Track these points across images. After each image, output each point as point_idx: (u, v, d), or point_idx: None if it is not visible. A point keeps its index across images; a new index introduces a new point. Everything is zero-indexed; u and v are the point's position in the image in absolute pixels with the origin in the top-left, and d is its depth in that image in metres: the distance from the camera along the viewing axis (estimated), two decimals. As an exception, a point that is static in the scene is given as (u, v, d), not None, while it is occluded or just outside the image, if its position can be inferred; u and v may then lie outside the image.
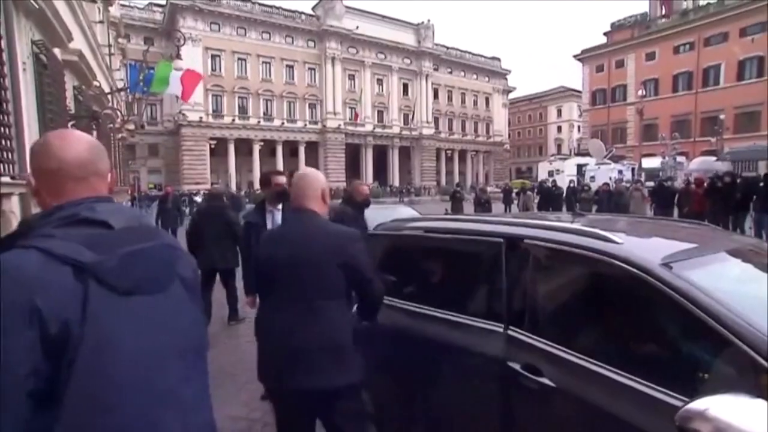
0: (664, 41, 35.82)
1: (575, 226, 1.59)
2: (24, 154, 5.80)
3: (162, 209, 10.15)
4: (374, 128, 47.66)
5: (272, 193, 3.02)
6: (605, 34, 42.95)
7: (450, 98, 55.44)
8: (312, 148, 44.71)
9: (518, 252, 1.64)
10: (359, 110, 46.57)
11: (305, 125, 44.09)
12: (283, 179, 3.06)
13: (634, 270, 1.30)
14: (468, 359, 1.59)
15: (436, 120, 53.44)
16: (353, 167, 46.13)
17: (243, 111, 41.42)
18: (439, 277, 1.93)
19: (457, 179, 49.09)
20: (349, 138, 46.14)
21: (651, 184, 14.70)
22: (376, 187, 42.97)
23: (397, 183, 47.45)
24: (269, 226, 2.97)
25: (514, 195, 17.16)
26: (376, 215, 7.02)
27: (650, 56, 37.23)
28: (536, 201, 13.23)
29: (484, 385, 1.54)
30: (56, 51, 6.63)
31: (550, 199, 12.67)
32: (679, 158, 23.18)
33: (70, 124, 8.05)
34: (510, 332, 1.58)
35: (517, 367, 1.47)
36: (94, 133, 10.72)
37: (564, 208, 12.19)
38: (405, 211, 7.33)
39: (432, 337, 1.72)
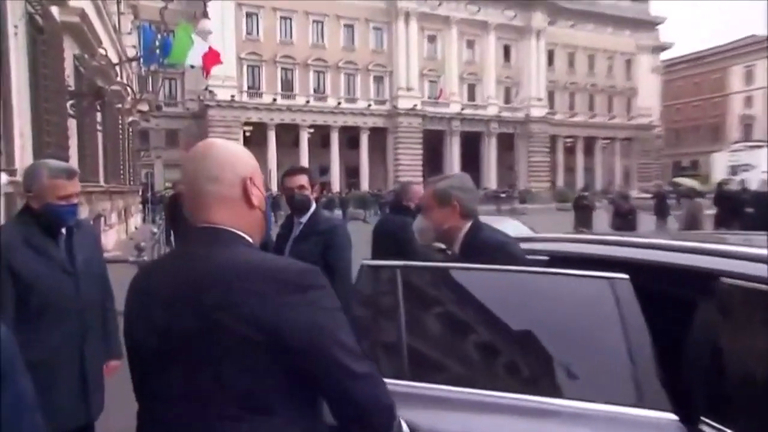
0: None
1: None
2: (12, 140, 6.34)
3: (174, 215, 9.50)
4: (462, 108, 47.64)
5: (287, 200, 3.03)
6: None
7: (572, 63, 53.74)
8: (378, 136, 45.74)
9: (715, 296, 1.56)
10: (442, 84, 46.90)
11: (369, 105, 45.29)
12: (301, 180, 3.01)
13: None
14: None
15: (550, 95, 52.07)
16: (433, 162, 46.24)
17: (287, 87, 43.55)
18: (566, 340, 1.72)
19: (581, 179, 47.59)
20: (429, 122, 46.60)
21: None
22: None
23: (493, 184, 46.90)
24: (287, 245, 2.98)
25: (674, 202, 15.63)
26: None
27: None
28: (710, 212, 11.81)
29: None
30: (53, 10, 7.21)
31: (736, 210, 11.15)
32: None
33: (69, 104, 8.78)
34: (704, 428, 1.46)
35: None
36: (98, 115, 11.72)
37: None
38: (506, 227, 7.03)
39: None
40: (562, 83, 53.26)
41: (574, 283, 1.69)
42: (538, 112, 49.73)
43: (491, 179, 48.26)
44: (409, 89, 45.64)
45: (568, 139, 53.02)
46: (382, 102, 46.15)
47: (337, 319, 1.04)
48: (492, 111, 48.79)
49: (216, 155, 1.15)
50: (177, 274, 1.07)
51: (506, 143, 49.82)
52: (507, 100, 50.15)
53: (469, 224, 2.23)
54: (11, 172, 5.57)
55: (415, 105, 45.34)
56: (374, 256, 3.66)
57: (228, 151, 1.17)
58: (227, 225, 1.12)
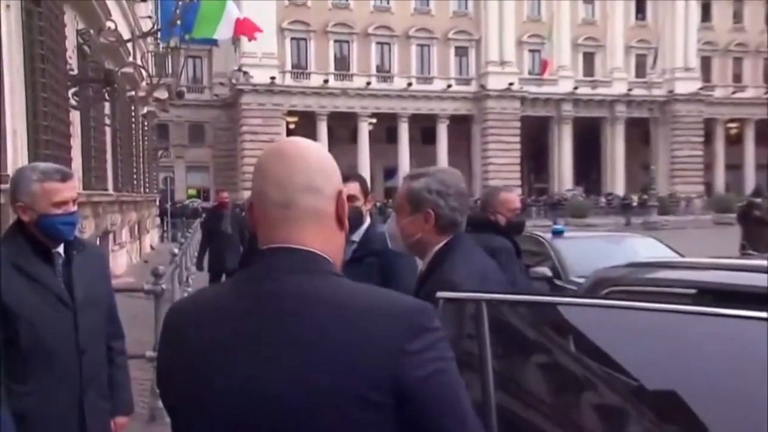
0: None
1: None
2: (4, 140, 6.82)
3: (213, 231, 9.19)
4: (576, 87, 46.88)
5: None
6: None
7: (738, 17, 51.51)
8: (460, 126, 45.72)
9: None
10: (548, 55, 46.17)
11: (449, 87, 45.33)
12: (351, 189, 3.00)
13: None
14: None
15: (704, 64, 50.24)
16: (535, 160, 45.49)
17: (342, 65, 44.46)
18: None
19: (752, 180, 45.30)
20: (529, 107, 46.11)
21: None
22: (578, 196, 41.46)
23: (620, 188, 45.71)
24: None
25: None
26: (576, 255, 6.69)
27: None
28: None
29: None
30: (53, -25, 7.70)
31: None
32: None
33: (71, 92, 9.36)
34: None
35: None
36: (106, 105, 12.39)
37: None
38: (640, 247, 6.92)
39: None
40: (724, 45, 51.23)
41: (725, 325, 1.64)
42: (686, 87, 48.07)
43: (617, 181, 47.16)
44: (502, 63, 45.39)
45: (732, 125, 50.91)
46: (466, 81, 46.13)
47: (456, 373, 1.13)
48: (618, 88, 47.72)
49: (316, 159, 1.19)
50: (255, 312, 1.10)
51: (638, 132, 48.42)
52: (640, 73, 48.87)
53: (444, 241, 2.19)
54: (2, 179, 5.94)
55: (511, 84, 44.97)
56: None
57: (323, 153, 1.23)
58: (318, 248, 1.16)
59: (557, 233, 7.30)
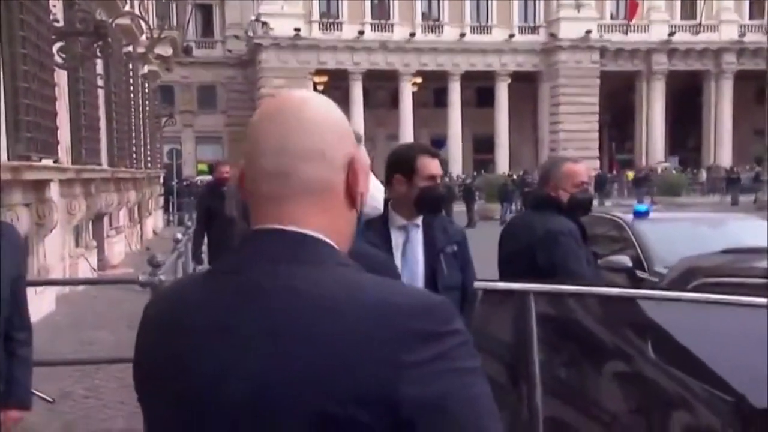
0: None
1: None
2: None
3: (213, 215, 9.31)
4: (672, 33, 45.92)
5: (403, 195, 3.30)
6: None
7: None
8: (524, 85, 45.35)
9: None
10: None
11: (511, 37, 44.98)
12: (434, 166, 3.32)
13: None
14: None
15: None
16: (619, 126, 44.73)
17: (380, 13, 44.36)
18: None
19: None
20: (611, 60, 45.58)
21: None
22: (671, 169, 40.75)
23: (726, 160, 44.85)
24: (397, 258, 3.23)
25: None
26: (664, 241, 6.58)
27: None
28: None
29: None
30: None
31: None
32: None
33: (55, 48, 9.55)
34: None
35: None
36: (97, 63, 12.62)
37: None
38: (746, 233, 6.76)
39: None
40: None
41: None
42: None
43: (722, 151, 46.26)
44: (578, 6, 44.81)
45: None
46: (533, 30, 45.81)
47: (478, 387, 1.06)
48: (727, 34, 46.57)
49: (323, 116, 1.16)
50: (239, 309, 1.10)
51: (751, 89, 47.03)
52: (756, 14, 47.45)
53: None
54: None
55: (589, 32, 44.38)
56: (502, 277, 3.68)
57: (332, 110, 1.19)
58: (319, 231, 1.13)
59: (640, 214, 7.17)
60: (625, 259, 6.37)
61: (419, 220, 3.32)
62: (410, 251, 3.28)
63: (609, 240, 7.30)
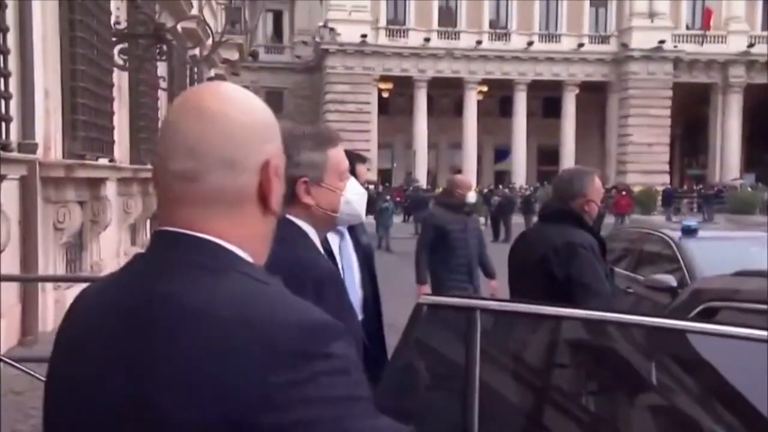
0: None
1: None
2: (32, 102, 7.18)
3: None
4: (751, 44, 44.36)
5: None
6: None
7: None
8: (592, 96, 44.85)
9: None
10: (713, 4, 44.31)
11: (580, 46, 44.54)
12: (365, 173, 3.73)
13: None
14: None
15: None
16: (691, 139, 43.63)
17: (447, 20, 44.37)
18: None
19: None
20: (684, 71, 44.59)
21: None
22: (747, 186, 39.68)
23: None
24: (337, 258, 3.33)
25: None
26: (712, 260, 6.40)
27: None
28: None
29: None
30: None
31: None
32: None
33: (116, 50, 9.80)
34: None
35: None
36: (158, 66, 12.87)
37: None
38: None
39: None
40: None
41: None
42: None
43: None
44: (652, 15, 43.99)
45: None
46: (603, 39, 45.09)
47: (357, 422, 0.99)
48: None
49: (241, 115, 1.10)
50: (134, 316, 1.06)
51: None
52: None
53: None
54: (29, 148, 6.32)
55: (662, 42, 43.47)
56: (513, 293, 3.66)
57: (255, 107, 1.14)
58: (223, 237, 1.09)
59: (688, 232, 6.94)
60: (669, 279, 6.15)
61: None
62: (345, 251, 3.34)
63: (655, 258, 7.10)
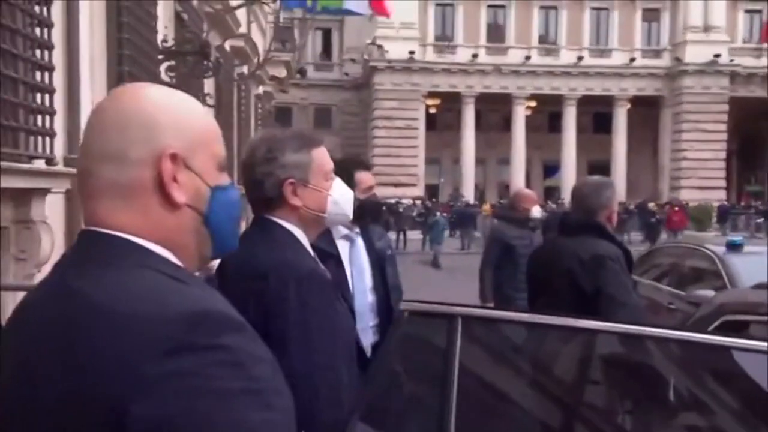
0: None
1: None
2: (78, 117, 7.41)
3: None
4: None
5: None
6: None
7: None
8: (644, 111, 44.45)
9: None
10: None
11: (632, 61, 44.16)
12: (367, 180, 3.62)
13: None
14: None
15: None
16: (748, 156, 42.78)
17: (496, 36, 44.37)
18: None
19: None
20: (741, 85, 43.74)
21: None
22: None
23: None
24: (346, 265, 3.50)
25: None
26: (757, 276, 6.29)
27: None
28: None
29: None
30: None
31: None
32: None
33: (163, 68, 10.01)
34: None
35: None
36: (204, 83, 13.12)
37: None
38: None
39: None
40: None
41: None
42: None
43: None
44: (707, 29, 43.33)
45: None
46: (656, 54, 44.63)
47: (248, 414, 0.97)
48: None
49: (122, 111, 1.11)
50: (37, 314, 1.08)
51: None
52: None
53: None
54: (74, 162, 6.49)
55: (718, 56, 42.82)
56: (533, 306, 3.66)
57: (148, 103, 1.13)
58: (128, 231, 1.09)
59: (733, 247, 6.84)
60: (710, 294, 6.10)
61: (358, 228, 3.55)
62: (356, 257, 3.49)
63: (699, 273, 7.02)
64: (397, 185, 40.28)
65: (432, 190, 43.51)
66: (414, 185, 41.37)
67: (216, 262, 2.14)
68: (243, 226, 2.09)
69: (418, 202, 36.08)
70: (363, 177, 3.53)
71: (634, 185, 43.00)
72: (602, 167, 43.84)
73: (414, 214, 32.48)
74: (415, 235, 28.35)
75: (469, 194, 41.11)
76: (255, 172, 2.13)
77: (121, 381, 0.92)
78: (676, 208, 31.01)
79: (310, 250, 2.24)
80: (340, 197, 2.23)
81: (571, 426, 2.01)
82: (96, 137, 1.09)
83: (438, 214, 25.55)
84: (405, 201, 35.48)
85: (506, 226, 6.49)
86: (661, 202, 36.88)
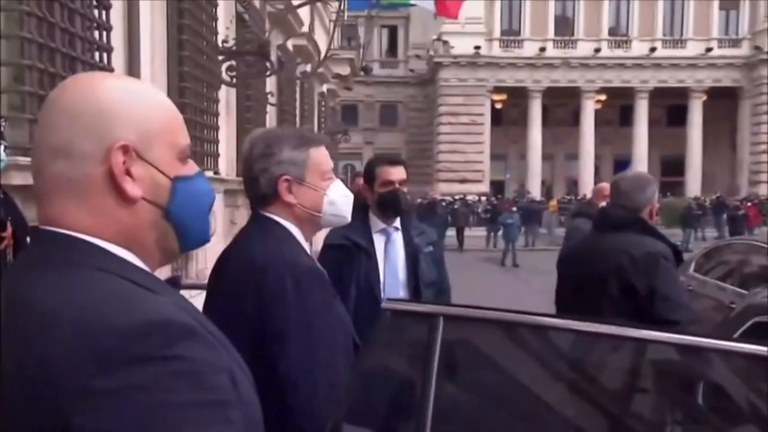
0: None
1: None
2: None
3: None
4: None
5: (372, 201, 3.72)
6: None
7: None
8: (721, 103, 43.28)
9: None
10: None
11: (708, 51, 43.08)
12: (386, 174, 3.64)
13: None
14: None
15: None
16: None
17: (563, 28, 43.82)
18: None
19: None
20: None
21: None
22: None
23: None
24: (380, 258, 3.61)
25: None
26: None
27: None
28: None
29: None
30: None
31: None
32: None
33: (224, 68, 10.20)
34: None
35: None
36: (266, 82, 13.30)
37: None
38: None
39: None
40: None
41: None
42: None
43: None
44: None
45: None
46: (734, 43, 43.41)
47: (197, 422, 0.92)
48: None
49: (73, 102, 1.06)
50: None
51: None
52: None
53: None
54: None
55: (796, 44, 41.29)
56: (566, 305, 3.62)
57: (100, 93, 1.08)
58: (81, 230, 1.05)
59: None
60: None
61: (398, 223, 3.64)
62: (392, 252, 3.56)
63: (763, 271, 6.84)
64: (462, 181, 40.20)
65: (497, 186, 43.21)
66: (479, 181, 41.20)
67: (208, 271, 2.19)
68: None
69: (484, 198, 35.87)
70: (382, 171, 3.58)
71: (710, 180, 41.94)
72: (676, 162, 42.97)
73: (479, 210, 32.30)
74: (477, 232, 28.09)
75: (535, 190, 40.74)
76: (252, 168, 2.15)
77: (65, 393, 0.88)
78: (749, 204, 30.16)
79: (307, 247, 2.25)
80: (338, 198, 2.21)
81: (551, 424, 2.01)
82: (46, 130, 1.05)
83: (514, 211, 24.99)
84: (470, 197, 35.35)
85: (586, 222, 6.36)
86: (740, 198, 35.81)
